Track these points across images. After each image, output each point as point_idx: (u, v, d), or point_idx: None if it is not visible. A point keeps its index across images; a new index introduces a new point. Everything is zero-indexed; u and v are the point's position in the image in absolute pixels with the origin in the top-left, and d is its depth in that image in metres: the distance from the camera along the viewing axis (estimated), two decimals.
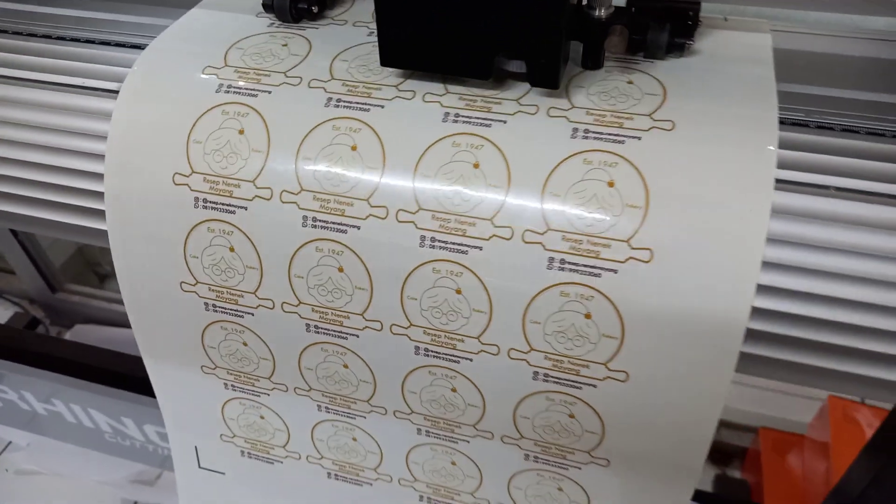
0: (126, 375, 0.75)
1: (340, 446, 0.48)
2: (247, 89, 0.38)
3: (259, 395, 0.47)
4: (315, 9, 0.43)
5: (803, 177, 0.34)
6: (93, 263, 1.46)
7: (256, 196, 0.37)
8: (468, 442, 0.43)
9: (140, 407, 0.79)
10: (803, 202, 0.33)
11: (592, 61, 0.38)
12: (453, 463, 0.45)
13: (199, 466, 0.54)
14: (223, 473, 0.54)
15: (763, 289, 0.34)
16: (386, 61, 0.37)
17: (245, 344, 0.43)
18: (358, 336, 0.40)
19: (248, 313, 0.41)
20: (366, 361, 0.41)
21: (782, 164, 0.34)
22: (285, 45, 0.41)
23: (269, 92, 0.38)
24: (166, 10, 0.48)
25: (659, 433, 0.37)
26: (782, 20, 0.42)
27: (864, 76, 0.39)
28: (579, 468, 0.41)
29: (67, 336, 1.28)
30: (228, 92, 0.38)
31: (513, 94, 0.37)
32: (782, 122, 0.35)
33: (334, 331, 0.40)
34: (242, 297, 0.41)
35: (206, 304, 0.42)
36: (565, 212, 0.33)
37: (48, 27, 0.47)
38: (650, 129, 0.34)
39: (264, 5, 0.42)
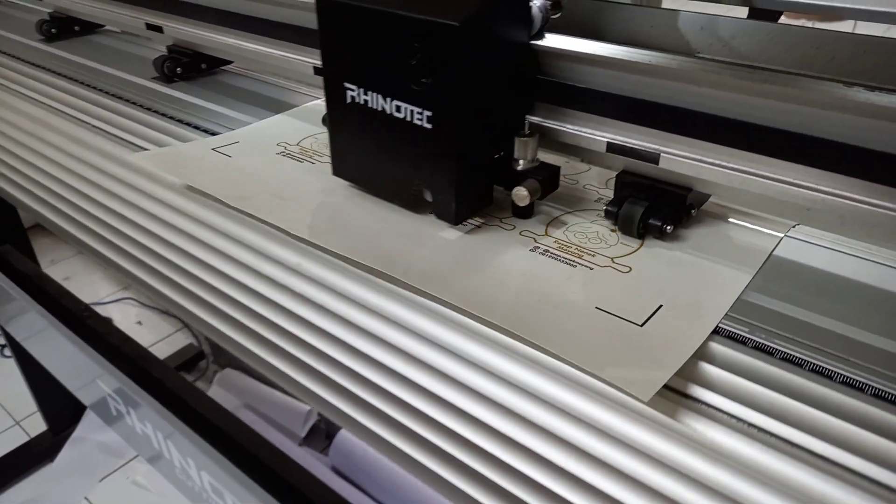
0: (253, 456, 0.69)
1: None
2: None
3: None
4: None
5: (712, 398, 0.30)
6: None
7: None
8: None
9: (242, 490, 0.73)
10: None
11: (513, 208, 0.39)
12: None
13: None
14: None
15: None
16: (336, 172, 0.42)
17: None
18: None
19: None
20: None
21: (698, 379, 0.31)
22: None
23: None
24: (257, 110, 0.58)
25: None
26: None
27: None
28: None
29: (217, 377, 1.38)
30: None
31: (503, 214, 0.40)
32: (717, 331, 0.33)
33: None
34: None
35: None
36: None
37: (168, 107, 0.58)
38: (605, 266, 0.35)
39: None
